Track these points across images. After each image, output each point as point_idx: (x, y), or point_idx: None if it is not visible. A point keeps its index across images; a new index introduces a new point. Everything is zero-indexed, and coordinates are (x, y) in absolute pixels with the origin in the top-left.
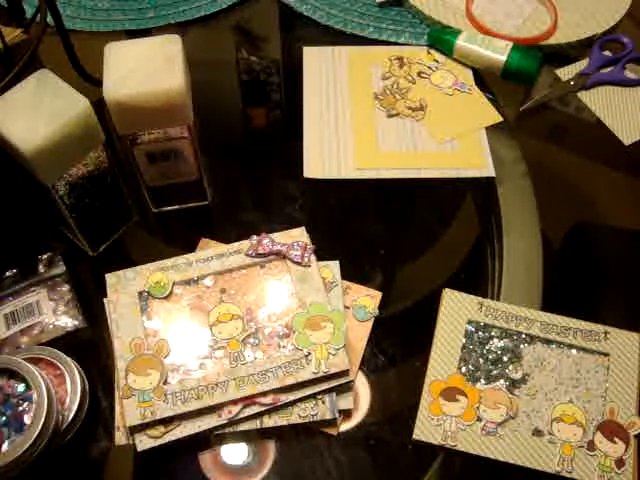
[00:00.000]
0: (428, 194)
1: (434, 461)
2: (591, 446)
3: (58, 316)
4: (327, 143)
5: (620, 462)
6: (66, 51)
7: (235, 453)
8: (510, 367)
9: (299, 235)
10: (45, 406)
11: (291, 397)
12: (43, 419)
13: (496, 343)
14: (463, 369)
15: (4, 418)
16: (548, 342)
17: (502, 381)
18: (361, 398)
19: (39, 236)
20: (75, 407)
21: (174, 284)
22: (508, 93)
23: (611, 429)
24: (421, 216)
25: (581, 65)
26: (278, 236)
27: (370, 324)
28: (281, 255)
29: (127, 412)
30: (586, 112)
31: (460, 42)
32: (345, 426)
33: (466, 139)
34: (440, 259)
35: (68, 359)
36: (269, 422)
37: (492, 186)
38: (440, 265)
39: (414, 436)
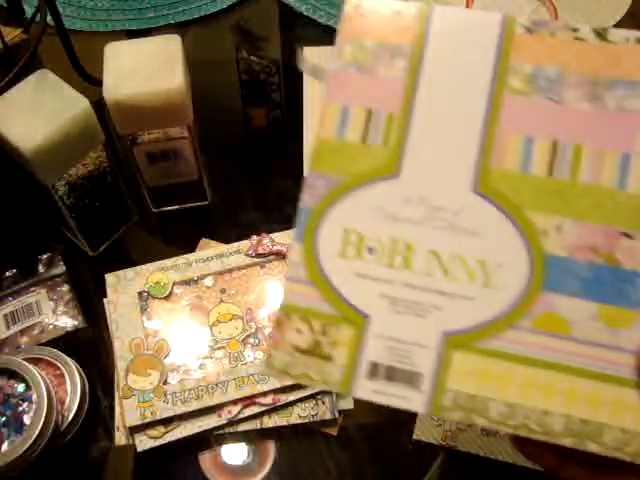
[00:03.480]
0: None
1: (434, 461)
2: None
3: (58, 316)
4: None
5: None
6: (66, 51)
7: (235, 453)
8: None
9: None
10: (45, 406)
11: (291, 397)
12: (43, 419)
13: None
14: None
15: (4, 418)
16: None
17: None
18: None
19: (39, 236)
20: (75, 407)
21: (174, 284)
22: None
23: None
24: None
25: None
26: (278, 236)
27: None
28: (281, 255)
29: (127, 412)
30: None
31: None
32: (345, 426)
33: None
34: None
35: (68, 359)
36: (269, 422)
37: None
38: None
39: (414, 436)
